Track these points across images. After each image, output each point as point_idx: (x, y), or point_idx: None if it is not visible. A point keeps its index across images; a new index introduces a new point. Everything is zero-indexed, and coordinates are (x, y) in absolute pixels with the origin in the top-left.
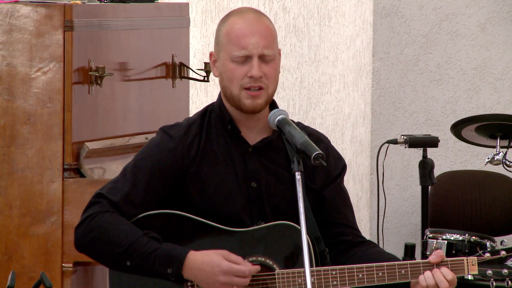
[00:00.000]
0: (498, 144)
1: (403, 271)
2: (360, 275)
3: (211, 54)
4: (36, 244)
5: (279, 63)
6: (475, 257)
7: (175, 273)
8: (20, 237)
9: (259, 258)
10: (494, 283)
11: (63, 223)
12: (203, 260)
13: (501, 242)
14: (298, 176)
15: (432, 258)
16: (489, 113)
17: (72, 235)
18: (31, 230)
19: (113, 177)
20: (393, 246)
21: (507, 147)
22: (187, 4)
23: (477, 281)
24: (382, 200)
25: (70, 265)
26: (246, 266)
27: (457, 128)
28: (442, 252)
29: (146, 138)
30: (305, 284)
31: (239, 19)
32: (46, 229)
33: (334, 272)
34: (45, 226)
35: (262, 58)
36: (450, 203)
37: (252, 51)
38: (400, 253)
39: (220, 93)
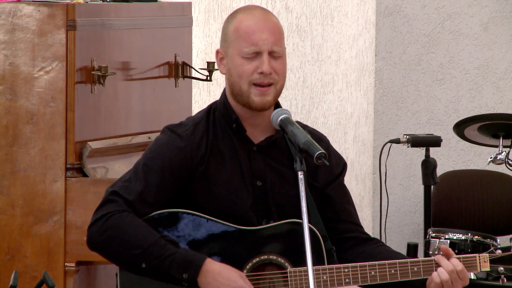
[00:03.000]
0: (501, 144)
1: (415, 268)
2: (373, 273)
3: (217, 52)
4: (38, 243)
5: (286, 60)
6: (487, 254)
7: (190, 279)
8: (23, 237)
9: (271, 257)
10: (505, 280)
11: (65, 222)
12: (221, 272)
13: (510, 240)
14: (300, 175)
15: (440, 254)
16: (492, 112)
17: (74, 235)
18: (33, 230)
19: (115, 176)
20: (396, 245)
21: (510, 147)
22: (189, 4)
23: (480, 280)
24: (384, 199)
25: (73, 264)
26: None
27: (460, 128)
28: (446, 246)
29: (149, 138)
30: (319, 282)
31: (247, 15)
32: (49, 228)
33: (346, 270)
34: (48, 226)
35: (271, 54)
36: (452, 203)
37: (262, 47)
38: (402, 253)
39: (223, 91)
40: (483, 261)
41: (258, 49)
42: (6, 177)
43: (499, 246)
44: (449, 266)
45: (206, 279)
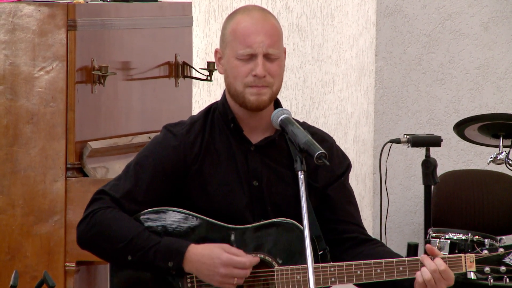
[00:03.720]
0: (501, 144)
1: (401, 268)
2: (359, 272)
3: (216, 51)
4: (39, 243)
5: (284, 61)
6: (473, 254)
7: (175, 267)
8: (23, 237)
9: (259, 255)
10: (492, 281)
11: (66, 222)
12: (204, 253)
13: (499, 240)
14: (301, 175)
15: (425, 254)
16: (492, 112)
17: (75, 235)
18: (34, 230)
19: (116, 176)
20: (396, 245)
21: (510, 147)
22: (190, 4)
23: (477, 280)
24: (385, 199)
25: (73, 264)
26: (247, 258)
27: (460, 128)
28: (431, 246)
29: (149, 138)
30: (305, 281)
31: (245, 16)
32: (49, 228)
33: (332, 269)
34: (48, 226)
35: (266, 56)
36: (453, 203)
37: (257, 50)
38: (403, 253)
39: (224, 91)
40: (469, 261)
41: (253, 52)
42: (6, 177)
43: (486, 247)
44: (432, 265)
45: (192, 264)
